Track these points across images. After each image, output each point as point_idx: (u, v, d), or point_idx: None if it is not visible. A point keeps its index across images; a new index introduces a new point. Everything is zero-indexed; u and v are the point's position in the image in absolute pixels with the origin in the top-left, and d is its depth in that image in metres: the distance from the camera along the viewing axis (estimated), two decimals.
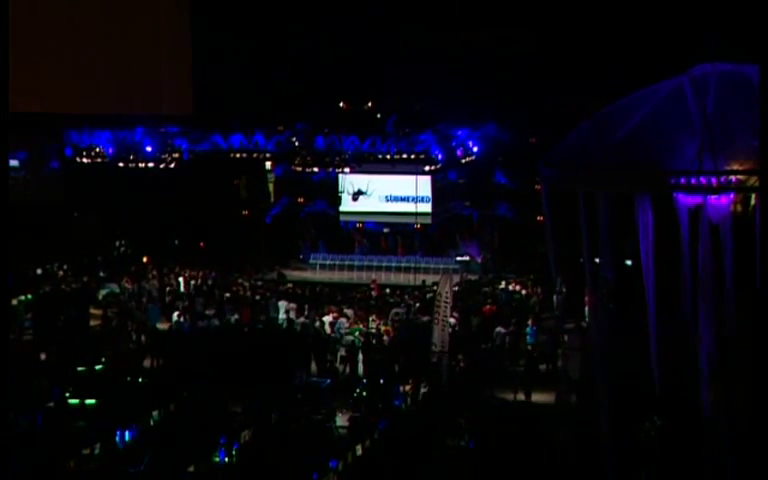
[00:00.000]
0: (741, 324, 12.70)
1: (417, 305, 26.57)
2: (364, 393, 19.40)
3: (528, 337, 23.24)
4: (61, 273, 30.96)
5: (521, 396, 20.22)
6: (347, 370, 22.35)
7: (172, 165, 41.84)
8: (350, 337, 23.14)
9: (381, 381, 20.11)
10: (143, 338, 24.16)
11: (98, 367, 20.86)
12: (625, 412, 13.76)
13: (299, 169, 40.29)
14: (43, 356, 22.26)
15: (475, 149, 39.66)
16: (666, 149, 12.23)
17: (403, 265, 34.50)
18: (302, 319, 25.22)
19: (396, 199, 37.41)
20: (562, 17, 36.49)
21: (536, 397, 20.14)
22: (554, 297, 23.42)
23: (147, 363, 22.94)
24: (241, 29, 39.74)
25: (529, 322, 23.89)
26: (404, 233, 37.09)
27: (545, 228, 14.07)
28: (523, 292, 28.15)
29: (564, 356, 18.30)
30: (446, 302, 21.59)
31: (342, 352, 22.79)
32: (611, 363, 13.35)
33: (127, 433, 16.52)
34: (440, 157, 38.47)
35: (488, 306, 26.10)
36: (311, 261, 35.89)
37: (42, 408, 17.72)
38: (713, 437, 12.15)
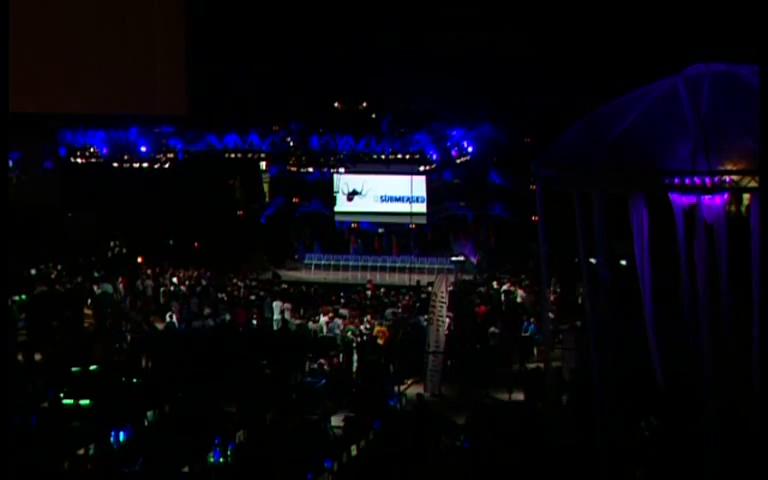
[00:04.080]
0: (737, 322, 12.75)
1: (416, 304, 26.56)
2: (359, 393, 19.41)
3: (536, 337, 23.11)
4: (55, 273, 30.89)
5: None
6: (342, 370, 22.31)
7: (167, 165, 41.79)
8: (345, 337, 23.13)
9: (376, 381, 20.12)
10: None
11: (93, 367, 20.83)
12: (621, 412, 13.78)
13: (294, 169, 40.25)
14: (38, 356, 22.20)
15: (470, 149, 39.66)
16: (660, 149, 12.27)
17: (398, 265, 34.50)
18: (297, 320, 25.23)
19: (391, 199, 37.39)
20: (557, 18, 36.53)
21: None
22: (550, 297, 23.45)
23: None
24: (236, 29, 39.69)
25: (532, 320, 23.84)
26: (399, 233, 37.08)
27: (539, 228, 14.10)
28: (520, 292, 28.12)
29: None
30: (442, 302, 21.60)
31: (337, 352, 22.77)
32: (608, 362, 13.38)
33: (122, 433, 16.49)
34: (435, 157, 38.47)
35: (483, 306, 26.10)
36: (306, 261, 35.87)
37: (36, 408, 17.69)
38: (711, 436, 12.16)
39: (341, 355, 22.51)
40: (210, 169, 40.60)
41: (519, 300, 27.43)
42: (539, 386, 17.85)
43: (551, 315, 21.16)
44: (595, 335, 13.60)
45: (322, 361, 21.38)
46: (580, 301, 25.68)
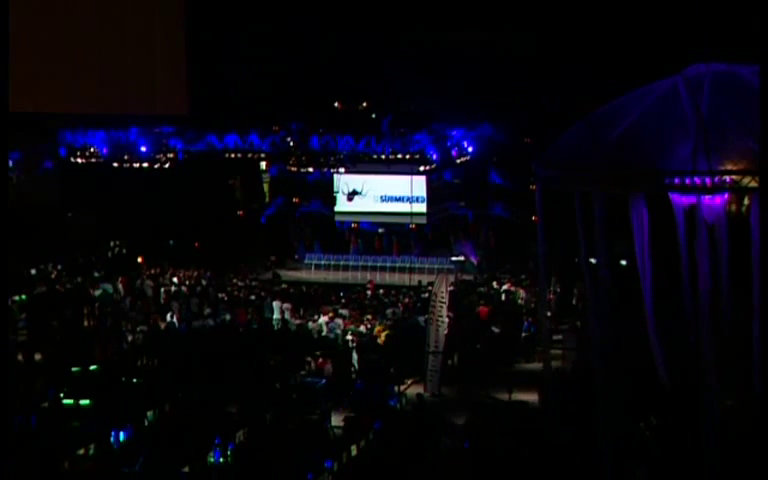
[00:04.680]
0: (737, 322, 12.75)
1: (417, 304, 26.57)
2: (359, 393, 19.40)
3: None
4: (55, 273, 30.90)
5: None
6: (342, 370, 22.31)
7: (167, 165, 41.84)
8: (345, 337, 23.13)
9: (376, 381, 20.11)
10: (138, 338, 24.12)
11: (93, 367, 20.83)
12: (621, 412, 13.79)
13: (294, 169, 40.34)
14: (38, 356, 22.21)
15: (470, 149, 39.73)
16: (660, 149, 12.25)
17: (398, 265, 34.52)
18: (297, 320, 25.23)
19: (391, 199, 37.41)
20: (557, 18, 36.56)
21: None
22: (548, 297, 23.45)
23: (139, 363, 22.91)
24: (236, 29, 39.75)
25: (532, 320, 23.86)
26: (399, 233, 37.11)
27: (538, 228, 14.10)
28: (522, 292, 28.12)
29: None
30: (441, 302, 21.59)
31: (324, 353, 22.71)
32: (608, 362, 13.39)
33: (122, 433, 16.49)
34: (435, 157, 38.52)
35: (483, 306, 26.10)
36: (306, 261, 35.89)
37: (36, 408, 17.69)
38: (711, 436, 12.17)
39: (340, 356, 22.52)
40: (210, 169, 40.64)
41: (520, 301, 27.43)
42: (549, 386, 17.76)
43: (548, 314, 21.18)
44: (595, 335, 13.60)
45: (309, 359, 21.39)
46: (575, 302, 25.83)
